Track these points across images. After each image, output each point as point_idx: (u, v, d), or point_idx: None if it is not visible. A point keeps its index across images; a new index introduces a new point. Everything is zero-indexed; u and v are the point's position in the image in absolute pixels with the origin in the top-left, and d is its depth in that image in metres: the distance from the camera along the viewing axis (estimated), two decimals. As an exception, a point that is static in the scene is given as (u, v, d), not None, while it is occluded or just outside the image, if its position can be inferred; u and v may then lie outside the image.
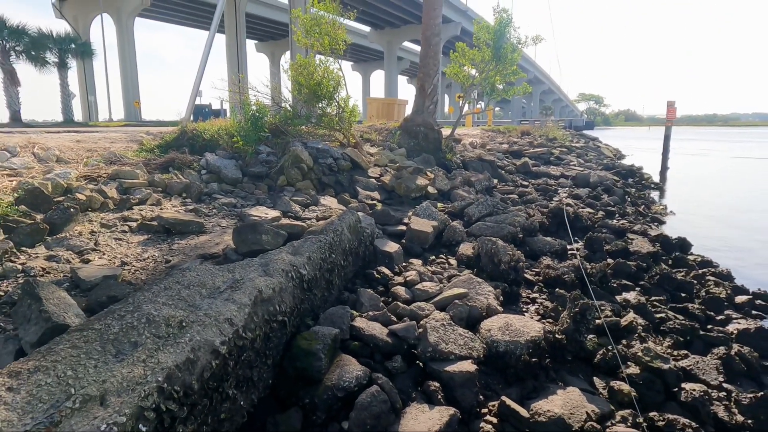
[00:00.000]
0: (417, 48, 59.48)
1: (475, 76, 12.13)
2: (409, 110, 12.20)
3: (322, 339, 3.16)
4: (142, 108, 34.87)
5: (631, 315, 4.65)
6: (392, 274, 4.77)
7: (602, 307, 4.70)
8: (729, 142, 52.45)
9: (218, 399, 2.43)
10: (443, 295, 4.15)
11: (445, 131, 11.78)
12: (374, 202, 7.25)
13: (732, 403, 3.44)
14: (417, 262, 5.20)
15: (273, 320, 3.07)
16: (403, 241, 5.64)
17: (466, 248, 5.54)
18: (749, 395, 3.44)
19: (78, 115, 31.39)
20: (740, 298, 5.69)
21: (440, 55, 11.31)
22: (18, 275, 3.42)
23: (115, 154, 6.89)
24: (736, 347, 4.20)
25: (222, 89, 9.67)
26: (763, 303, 5.68)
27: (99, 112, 35.85)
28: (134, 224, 4.76)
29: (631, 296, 5.39)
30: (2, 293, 3.15)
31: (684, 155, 30.44)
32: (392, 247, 5.19)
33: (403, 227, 5.97)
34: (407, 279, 4.57)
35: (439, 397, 3.03)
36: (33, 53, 23.40)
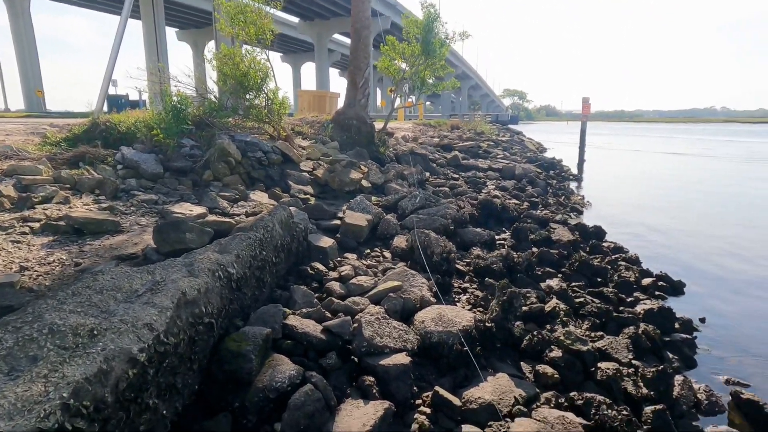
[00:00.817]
0: (348, 41, 59.09)
1: (405, 70, 12.23)
2: (341, 103, 12.07)
3: (252, 340, 3.04)
4: (46, 98, 31.70)
5: (554, 301, 4.90)
6: (327, 270, 4.69)
7: (528, 295, 4.92)
8: (634, 136, 57.16)
9: (137, 411, 2.25)
10: (378, 289, 4.15)
11: (378, 125, 11.80)
12: (307, 196, 7.10)
13: (639, 378, 3.73)
14: (352, 257, 5.15)
15: (199, 323, 2.90)
16: (338, 235, 5.57)
17: (400, 241, 5.57)
18: (652, 369, 3.75)
19: None
20: (646, 281, 6.21)
21: (371, 48, 11.29)
22: None
23: (11, 147, 6.20)
24: (642, 326, 4.56)
25: (140, 79, 9.02)
26: (664, 284, 6.24)
27: None
28: (37, 225, 4.31)
29: (554, 283, 5.69)
30: None
31: (597, 149, 32.78)
32: (326, 242, 5.11)
33: (338, 222, 5.90)
34: (342, 274, 4.52)
35: (374, 391, 3.02)
36: None
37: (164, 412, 2.56)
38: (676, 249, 8.40)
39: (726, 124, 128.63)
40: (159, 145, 7.12)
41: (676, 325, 4.93)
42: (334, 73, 74.78)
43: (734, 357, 4.62)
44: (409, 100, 22.17)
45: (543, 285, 5.58)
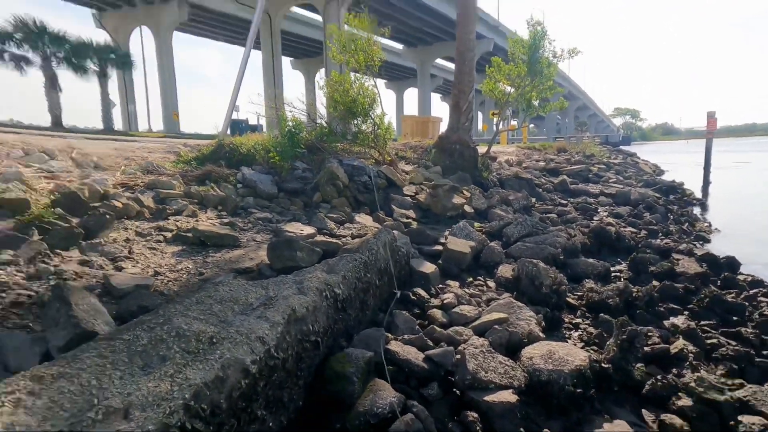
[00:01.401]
0: (450, 65, 59.60)
1: (510, 93, 11.95)
2: (443, 128, 12.09)
3: (355, 362, 3.04)
4: (180, 120, 36.14)
5: (680, 341, 4.33)
6: (428, 296, 4.61)
7: (650, 334, 4.40)
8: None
9: (246, 419, 2.34)
10: (482, 320, 3.97)
11: (481, 149, 11.61)
12: (409, 220, 7.13)
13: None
14: (454, 284, 5.03)
15: (306, 340, 2.97)
16: (440, 261, 5.48)
17: (505, 270, 5.33)
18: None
19: (118, 124, 32.84)
20: (799, 325, 5.25)
21: (474, 72, 11.21)
22: (50, 277, 3.44)
23: (152, 164, 7.04)
24: (800, 378, 3.84)
25: (258, 104, 9.85)
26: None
27: (138, 122, 37.48)
28: (169, 235, 4.79)
29: (679, 321, 5.04)
30: (33, 293, 3.16)
31: (725, 169, 29.11)
32: (429, 267, 5.04)
33: (440, 247, 5.82)
34: (444, 302, 4.41)
35: (478, 428, 2.85)
36: (74, 61, 24.66)
37: (270, 424, 2.63)
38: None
39: None
40: (275, 166, 7.65)
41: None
42: (435, 97, 75.77)
43: None
44: (512, 123, 21.63)
45: (666, 323, 4.96)
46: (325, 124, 9.07)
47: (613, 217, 9.66)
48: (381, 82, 65.80)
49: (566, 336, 4.39)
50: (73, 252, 3.95)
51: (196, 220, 5.43)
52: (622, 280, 5.93)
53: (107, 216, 4.55)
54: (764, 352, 4.45)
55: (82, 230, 4.22)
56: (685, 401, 3.37)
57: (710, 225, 11.32)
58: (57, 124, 24.21)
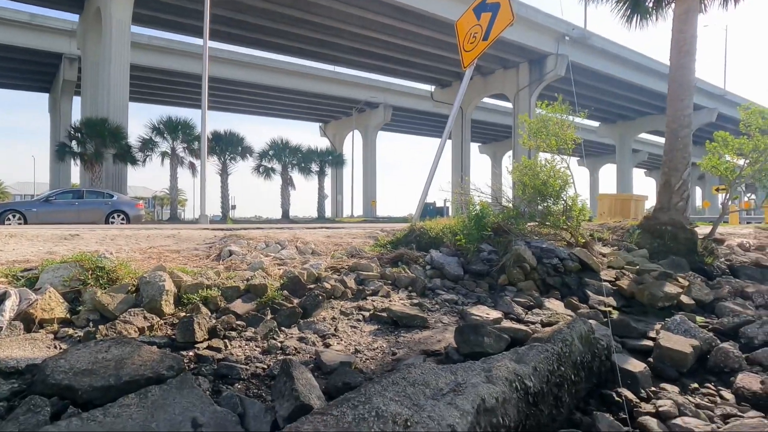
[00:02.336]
0: (655, 138, 54.09)
1: (743, 167, 10.19)
2: (648, 206, 10.82)
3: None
4: (377, 205, 41.03)
5: None
6: (637, 400, 3.94)
7: None
8: None
9: None
10: (719, 441, 3.19)
11: (701, 229, 9.95)
12: (608, 309, 6.36)
13: None
14: (672, 389, 4.20)
15: (495, 433, 2.79)
16: (650, 359, 4.69)
17: (749, 380, 4.25)
18: None
19: (328, 211, 39.20)
20: None
21: (690, 147, 9.94)
22: (277, 352, 3.99)
23: (355, 248, 7.85)
24: None
25: (446, 191, 10.34)
26: None
27: (344, 209, 43.66)
28: (367, 314, 5.17)
29: None
30: (266, 366, 3.68)
31: None
32: (636, 365, 4.35)
33: (649, 342, 5.00)
34: (660, 409, 3.69)
35: None
36: (303, 165, 32.76)
37: None
38: None
39: None
40: (461, 249, 7.79)
41: None
42: (638, 173, 69.11)
43: None
44: (746, 200, 18.15)
45: None
46: (511, 206, 9.00)
47: None
48: (574, 160, 63.17)
49: None
50: (293, 329, 4.57)
51: (390, 300, 5.76)
52: None
53: (320, 297, 5.18)
54: None
55: (301, 309, 4.89)
56: None
57: None
58: (285, 216, 31.19)
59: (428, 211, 24.87)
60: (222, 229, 9.52)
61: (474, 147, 56.56)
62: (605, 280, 7.40)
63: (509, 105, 37.98)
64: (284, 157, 32.05)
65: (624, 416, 3.73)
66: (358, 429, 2.24)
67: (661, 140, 10.06)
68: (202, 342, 3.97)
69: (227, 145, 31.80)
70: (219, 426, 2.63)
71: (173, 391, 2.82)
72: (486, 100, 42.92)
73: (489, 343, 4.22)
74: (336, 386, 3.36)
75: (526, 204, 8.99)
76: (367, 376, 3.59)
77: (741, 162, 10.34)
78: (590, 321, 4.91)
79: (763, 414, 3.77)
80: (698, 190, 57.19)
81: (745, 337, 5.23)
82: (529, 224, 9.00)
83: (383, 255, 7.64)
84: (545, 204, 8.62)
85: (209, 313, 4.54)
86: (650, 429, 3.45)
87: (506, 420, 2.91)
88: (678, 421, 3.52)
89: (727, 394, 4.23)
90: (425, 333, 4.80)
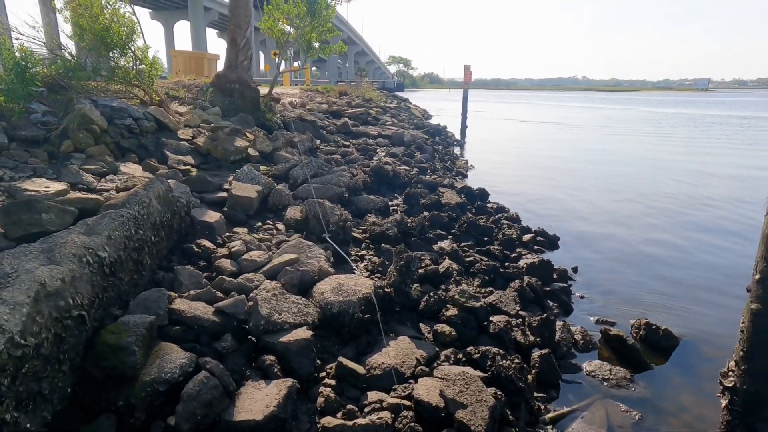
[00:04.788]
0: (225, -2, 54.31)
1: (290, 32, 11.60)
2: (221, 66, 11.11)
3: (134, 329, 2.71)
4: None
5: (447, 262, 5.10)
6: (215, 247, 4.35)
7: (423, 257, 5.05)
8: (509, 103, 61.64)
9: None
10: (273, 263, 3.93)
11: (263, 90, 11.11)
12: (188, 167, 6.48)
13: (526, 327, 4.05)
14: (242, 231, 4.83)
15: (66, 317, 2.50)
16: (225, 209, 5.18)
17: (293, 211, 5.35)
18: (537, 318, 4.09)
19: None
20: (526, 237, 6.75)
21: (251, 7, 10.46)
22: None
23: None
24: (526, 279, 4.95)
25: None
26: (542, 239, 6.84)
27: None
28: None
29: (445, 244, 5.92)
30: None
31: (477, 113, 34.76)
32: (212, 216, 4.72)
33: (224, 194, 5.48)
34: (232, 250, 4.21)
35: (276, 370, 2.88)
36: None
37: (28, 425, 2.19)
38: (549, 206, 9.25)
39: (586, 92, 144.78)
40: (2, 110, 5.94)
41: (555, 276, 5.44)
42: (211, 33, 69.13)
43: (602, 299, 5.24)
44: (295, 64, 21.30)
45: (436, 247, 5.78)
46: (69, 57, 7.36)
47: (389, 156, 10.55)
48: (144, 12, 56.41)
49: (353, 268, 4.71)
50: None
51: None
52: (399, 212, 6.60)
53: None
54: (506, 264, 5.59)
55: None
56: (452, 311, 4.00)
57: (467, 162, 13.45)
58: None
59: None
60: None
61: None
62: (183, 139, 7.39)
63: None
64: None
65: (204, 264, 4.06)
66: None
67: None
68: None
69: None
70: None
71: None
72: None
73: (50, 219, 3.57)
74: None
75: (88, 55, 7.49)
76: None
77: (289, 28, 11.75)
78: (170, 180, 4.87)
79: (301, 234, 4.89)
80: (262, 55, 62.77)
81: (292, 178, 6.47)
82: (95, 81, 7.66)
83: None
84: (111, 56, 7.44)
85: None
86: (225, 268, 3.91)
87: (78, 299, 2.63)
88: (246, 256, 4.11)
89: (281, 225, 5.24)
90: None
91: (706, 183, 11.79)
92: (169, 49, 54.48)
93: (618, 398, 3.55)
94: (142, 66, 7.78)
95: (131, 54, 7.65)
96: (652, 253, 6.70)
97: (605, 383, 3.72)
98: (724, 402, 2.68)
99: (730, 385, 2.63)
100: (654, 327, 4.31)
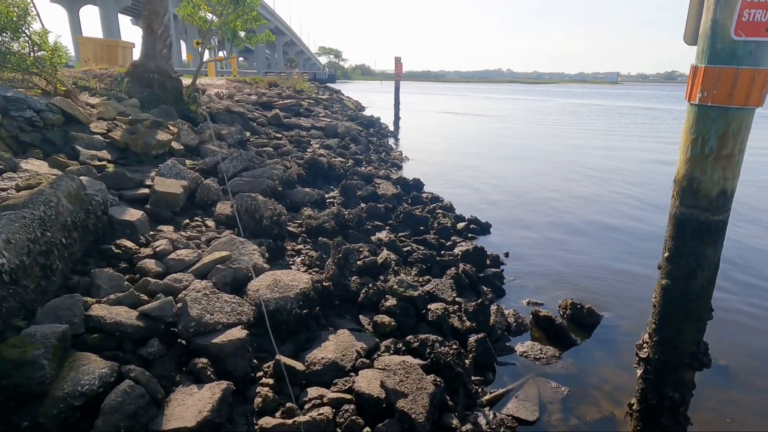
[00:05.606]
0: (139, -18, 50.43)
1: (213, 20, 11.03)
2: (137, 55, 10.34)
3: (42, 341, 2.45)
4: None
5: (385, 252, 5.09)
6: (137, 247, 4.05)
7: (361, 249, 5.01)
8: (439, 95, 63.06)
9: None
10: (203, 262, 3.72)
11: (186, 80, 10.50)
12: (103, 163, 5.98)
13: (463, 313, 4.14)
14: (168, 229, 4.54)
15: (-47, 335, 2.20)
16: (148, 206, 4.83)
17: (223, 207, 5.10)
18: (472, 303, 4.19)
19: None
20: (460, 225, 6.92)
21: (169, -10, 9.83)
22: None
23: None
24: (461, 266, 5.06)
25: None
26: (475, 227, 7.04)
27: None
28: None
29: (383, 235, 5.92)
30: None
31: (408, 104, 35.21)
32: (133, 214, 4.38)
33: (146, 190, 5.12)
34: (157, 249, 3.93)
35: (209, 373, 2.73)
36: None
37: None
38: (479, 194, 9.55)
39: (511, 84, 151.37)
40: None
41: (488, 262, 5.61)
42: (125, 20, 64.41)
43: (532, 282, 5.47)
44: (220, 54, 20.37)
45: (374, 238, 5.77)
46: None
47: (324, 148, 10.39)
48: (44, -6, 51.16)
49: (290, 263, 4.58)
50: None
51: None
52: (336, 205, 6.51)
53: None
54: (442, 252, 5.68)
55: None
56: (391, 301, 4.00)
57: (401, 153, 13.57)
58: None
59: None
60: None
61: None
62: (97, 133, 6.82)
63: None
64: None
65: (126, 265, 3.77)
66: None
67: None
68: None
69: None
70: None
71: None
72: None
73: (-66, 225, 3.14)
74: None
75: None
76: None
77: (211, 16, 11.16)
78: (82, 177, 4.46)
79: (232, 231, 4.68)
80: (183, 44, 59.31)
81: (221, 173, 6.18)
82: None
83: None
84: (1, 40, 6.68)
85: None
86: (149, 269, 3.65)
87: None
88: (172, 255, 3.86)
89: (210, 222, 4.99)
90: None
91: (622, 169, 12.70)
92: (75, 35, 50.03)
93: (549, 375, 3.74)
94: (42, 53, 7.06)
95: (26, 38, 6.91)
96: (577, 236, 7.12)
97: (537, 362, 3.90)
98: (639, 372, 2.87)
99: (644, 356, 2.82)
100: (578, 306, 4.56)
